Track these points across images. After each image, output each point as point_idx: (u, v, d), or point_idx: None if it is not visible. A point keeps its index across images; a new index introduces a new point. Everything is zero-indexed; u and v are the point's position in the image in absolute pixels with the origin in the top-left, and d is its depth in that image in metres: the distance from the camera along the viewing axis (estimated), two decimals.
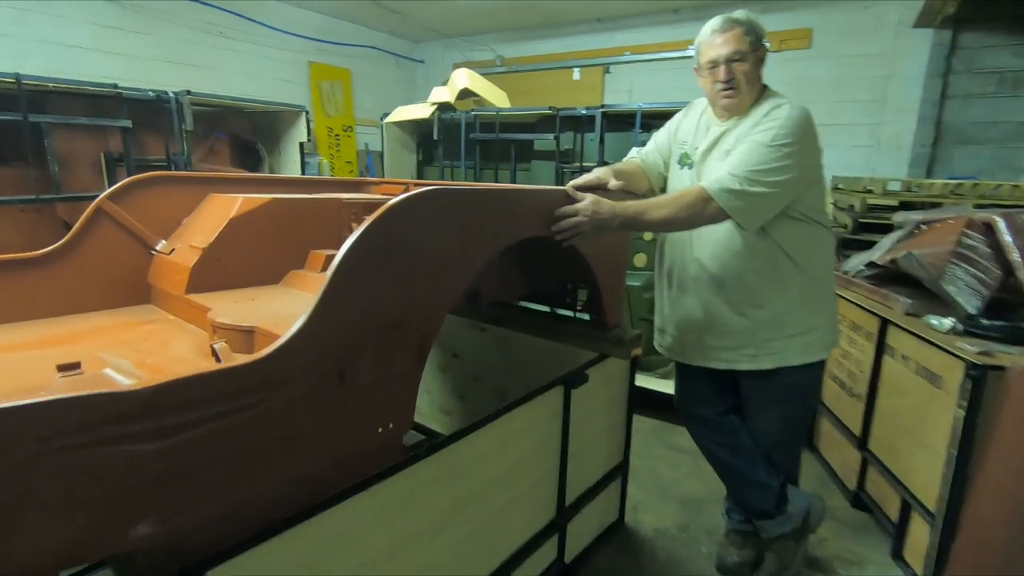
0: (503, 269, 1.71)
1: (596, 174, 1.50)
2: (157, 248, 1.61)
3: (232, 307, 1.28)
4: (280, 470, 0.92)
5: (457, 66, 6.70)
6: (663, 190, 1.80)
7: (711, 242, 1.59)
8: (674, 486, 2.39)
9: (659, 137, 1.80)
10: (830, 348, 1.67)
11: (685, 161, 1.68)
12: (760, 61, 1.53)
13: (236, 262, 1.48)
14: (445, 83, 3.55)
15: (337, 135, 6.13)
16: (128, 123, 2.49)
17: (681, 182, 1.67)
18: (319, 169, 5.12)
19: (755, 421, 1.74)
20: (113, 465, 0.73)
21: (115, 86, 2.46)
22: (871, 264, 2.35)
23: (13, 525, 0.67)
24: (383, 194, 2.14)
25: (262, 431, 0.87)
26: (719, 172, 1.45)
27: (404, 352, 1.06)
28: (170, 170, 2.71)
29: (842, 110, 4.60)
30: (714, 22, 1.53)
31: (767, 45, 1.55)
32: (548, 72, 6.19)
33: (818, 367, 1.68)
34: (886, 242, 2.37)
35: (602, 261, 1.64)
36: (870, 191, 2.90)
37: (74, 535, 0.72)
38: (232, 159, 3.24)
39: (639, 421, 2.90)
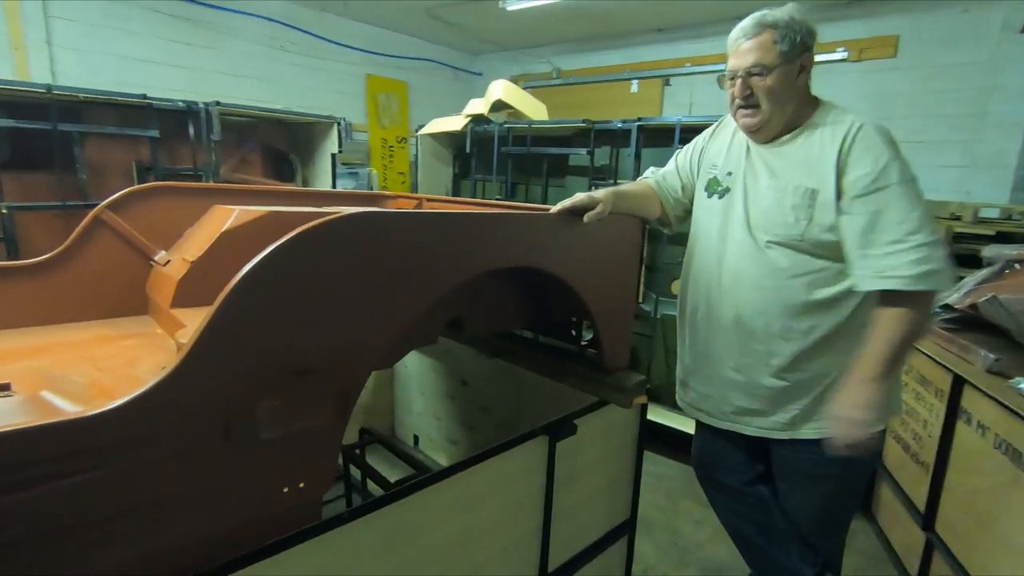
0: (493, 298, 1.53)
1: (592, 195, 1.30)
2: (155, 259, 1.58)
3: None
4: (150, 539, 0.78)
5: (514, 78, 6.64)
6: (680, 218, 1.58)
7: (748, 283, 1.33)
8: (696, 549, 2.10)
9: (680, 158, 1.57)
10: (890, 417, 1.37)
11: (714, 188, 1.43)
12: (800, 72, 1.27)
13: (227, 277, 1.39)
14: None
15: (391, 146, 6.20)
16: (156, 133, 2.54)
17: (711, 214, 1.43)
18: (368, 180, 5.15)
19: (791, 498, 1.46)
20: None
21: (144, 96, 2.52)
22: (947, 307, 1.98)
23: None
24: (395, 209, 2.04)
25: (118, 498, 0.74)
26: (875, 256, 1.18)
27: (316, 404, 0.91)
28: (198, 179, 2.74)
29: (931, 126, 4.08)
30: (746, 22, 1.28)
31: (812, 54, 1.28)
32: (606, 85, 5.98)
33: (875, 437, 1.38)
34: (969, 281, 1.99)
35: (600, 294, 1.43)
36: (958, 218, 2.50)
37: None
38: (264, 170, 3.27)
39: (667, 467, 2.63)
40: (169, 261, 1.53)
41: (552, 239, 1.27)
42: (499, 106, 3.28)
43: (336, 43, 5.49)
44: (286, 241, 0.84)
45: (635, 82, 5.76)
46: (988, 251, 2.09)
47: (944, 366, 1.80)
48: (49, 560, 0.71)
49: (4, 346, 1.28)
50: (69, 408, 0.93)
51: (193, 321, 1.24)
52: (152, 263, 1.58)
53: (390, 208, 2.17)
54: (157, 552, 0.80)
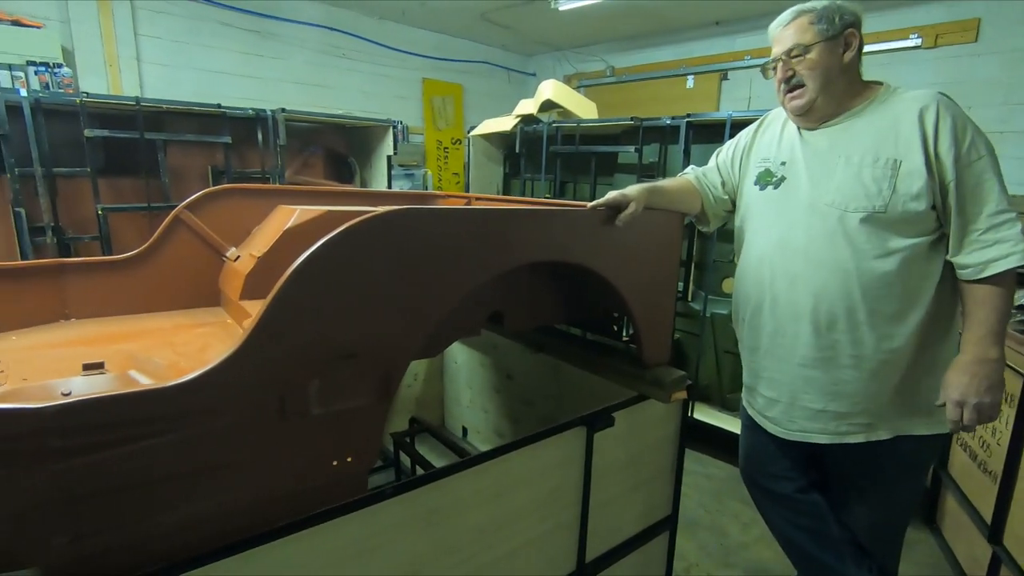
0: (533, 293, 1.58)
1: (624, 192, 1.32)
2: (227, 255, 1.73)
3: None
4: (206, 500, 0.88)
5: (567, 78, 6.64)
6: (719, 216, 1.56)
7: (828, 267, 1.28)
8: (740, 550, 2.07)
9: (722, 155, 1.56)
10: None
11: (767, 180, 1.41)
12: (845, 49, 1.25)
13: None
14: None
15: (446, 148, 6.35)
16: (228, 139, 2.75)
17: (767, 205, 1.40)
18: (423, 181, 5.32)
19: (850, 504, 1.42)
20: (19, 481, 0.74)
21: (219, 106, 2.73)
22: (1020, 307, 1.85)
23: None
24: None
25: (182, 460, 0.84)
26: (987, 248, 1.18)
27: (360, 386, 0.99)
28: (265, 182, 2.94)
29: (1014, 115, 3.79)
30: (782, 14, 1.29)
31: (857, 33, 1.26)
32: (660, 81, 5.90)
33: (943, 438, 1.33)
34: None
35: (638, 289, 1.45)
36: None
37: None
38: (326, 172, 3.46)
39: (716, 467, 2.59)
40: (239, 257, 1.67)
41: (587, 235, 1.31)
42: (548, 106, 3.31)
43: (394, 49, 5.70)
44: (331, 237, 0.92)
45: (691, 77, 5.65)
46: None
47: (1016, 370, 1.69)
48: (132, 509, 0.82)
49: (100, 331, 1.44)
50: (151, 385, 1.06)
51: (257, 311, 1.36)
52: (224, 259, 1.72)
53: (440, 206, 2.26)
54: (221, 509, 0.89)
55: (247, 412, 0.88)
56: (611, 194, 1.32)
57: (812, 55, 1.23)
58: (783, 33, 1.26)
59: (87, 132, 2.38)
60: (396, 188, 3.87)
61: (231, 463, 0.89)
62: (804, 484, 1.47)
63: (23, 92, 2.26)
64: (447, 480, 1.17)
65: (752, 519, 2.26)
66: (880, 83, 1.31)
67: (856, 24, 1.24)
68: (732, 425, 2.63)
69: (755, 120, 1.56)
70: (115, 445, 0.78)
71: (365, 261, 0.96)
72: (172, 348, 1.33)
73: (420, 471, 2.09)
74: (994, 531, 1.73)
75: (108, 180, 2.58)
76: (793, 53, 1.24)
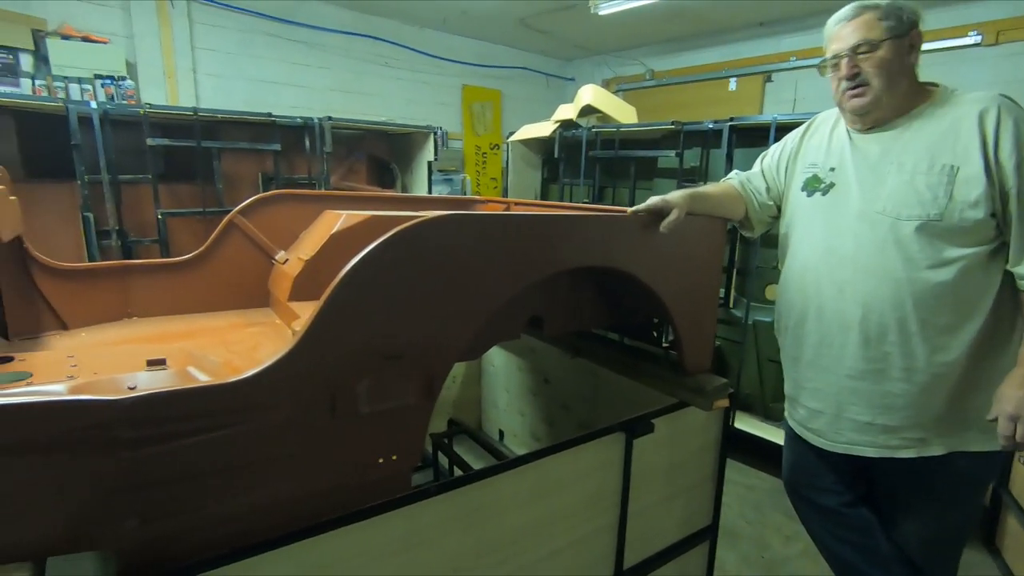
0: (572, 298, 1.59)
1: (666, 198, 1.31)
2: (276, 258, 1.81)
3: None
4: (260, 491, 0.92)
5: (606, 82, 6.62)
6: (764, 222, 1.53)
7: (878, 276, 1.24)
8: (782, 564, 2.02)
9: (767, 160, 1.53)
10: None
11: (814, 186, 1.37)
12: (909, 50, 1.21)
13: (334, 274, 1.59)
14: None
15: (484, 153, 6.42)
16: (278, 147, 2.87)
17: (815, 212, 1.36)
18: (462, 186, 5.39)
19: (901, 520, 1.37)
20: (97, 466, 0.79)
21: (269, 115, 2.84)
22: None
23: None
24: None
25: (242, 452, 0.89)
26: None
27: (405, 386, 1.02)
28: (312, 188, 3.04)
29: None
30: (843, 10, 1.25)
31: (920, 33, 1.22)
32: (701, 84, 5.81)
33: (1002, 455, 1.28)
34: None
35: (680, 296, 1.44)
36: None
37: (58, 526, 0.80)
38: (369, 177, 3.55)
39: (758, 478, 2.53)
40: (287, 260, 1.74)
41: (628, 240, 1.31)
42: (588, 111, 3.32)
43: (435, 56, 5.80)
44: (381, 242, 0.96)
45: (733, 80, 5.55)
46: None
47: None
48: (194, 497, 0.87)
49: (160, 330, 1.53)
50: (207, 381, 1.12)
51: (306, 312, 1.41)
52: (273, 261, 1.80)
53: (479, 211, 2.29)
54: (274, 501, 0.94)
55: (300, 408, 0.92)
56: (653, 200, 1.31)
57: (880, 52, 1.19)
58: (844, 29, 1.22)
59: (149, 141, 2.52)
60: (436, 193, 3.93)
61: (285, 456, 0.93)
62: (851, 498, 1.43)
63: (93, 104, 2.42)
64: (489, 481, 1.20)
65: (795, 532, 2.20)
66: (936, 85, 1.27)
67: (918, 23, 1.21)
68: (774, 435, 2.56)
69: (801, 123, 1.53)
70: (181, 436, 0.83)
71: (412, 265, 0.99)
72: (226, 347, 1.39)
73: (458, 472, 2.13)
74: None
75: (167, 186, 2.73)
76: (860, 49, 1.20)
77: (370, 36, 5.31)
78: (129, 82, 3.77)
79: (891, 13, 1.19)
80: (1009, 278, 1.18)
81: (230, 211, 1.74)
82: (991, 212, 1.15)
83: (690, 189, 1.40)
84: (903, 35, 1.19)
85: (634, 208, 1.30)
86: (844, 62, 1.22)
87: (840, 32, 1.24)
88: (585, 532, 1.45)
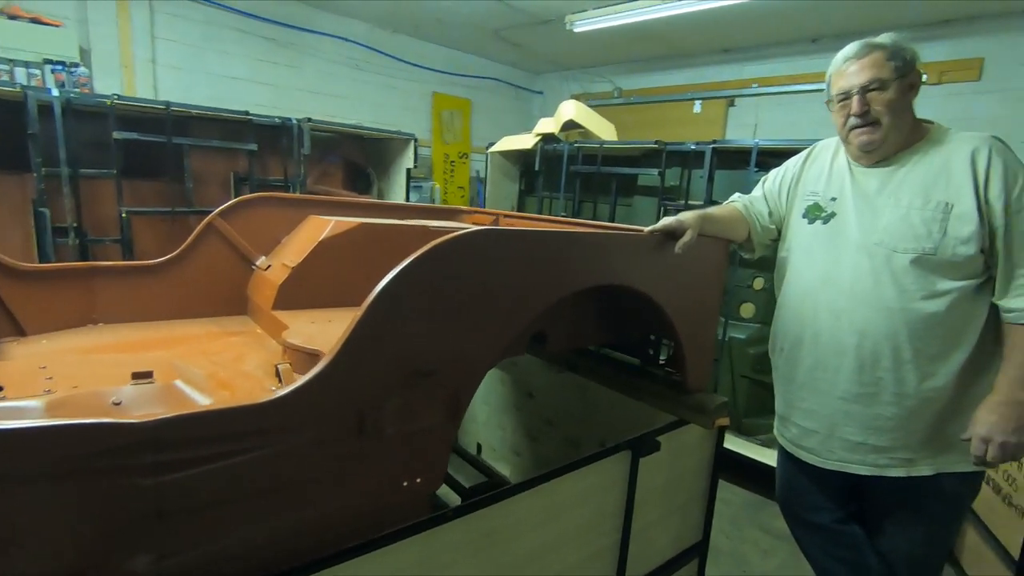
0: (575, 315, 1.58)
1: (680, 219, 1.33)
2: (257, 263, 1.71)
3: (307, 327, 1.30)
4: (286, 517, 0.86)
5: (575, 97, 6.72)
6: (764, 245, 1.57)
7: (873, 306, 1.29)
8: None
9: (769, 184, 1.57)
10: None
11: (815, 214, 1.42)
12: (910, 89, 1.28)
13: (322, 282, 1.52)
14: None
15: (452, 162, 6.38)
16: (254, 146, 2.74)
17: (815, 240, 1.41)
18: (431, 193, 5.33)
19: (889, 537, 1.42)
20: (109, 497, 0.72)
21: (247, 113, 2.72)
22: None
23: (5, 547, 0.67)
24: (472, 224, 2.12)
25: (267, 476, 0.82)
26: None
27: (435, 404, 0.98)
28: (287, 190, 2.93)
29: (1019, 153, 3.89)
30: (849, 48, 1.30)
31: (920, 72, 1.29)
32: (667, 105, 5.98)
33: (983, 474, 1.35)
34: None
35: (687, 316, 1.45)
36: None
37: (67, 563, 0.71)
38: (344, 182, 3.45)
39: (731, 493, 2.58)
40: (270, 266, 1.65)
41: (648, 260, 1.32)
42: (569, 126, 3.35)
43: (407, 62, 5.73)
44: (419, 256, 0.92)
45: (698, 102, 5.74)
46: None
47: None
48: (217, 526, 0.80)
49: (132, 337, 1.42)
50: (199, 398, 1.04)
51: (294, 323, 1.34)
52: (254, 267, 1.71)
53: (467, 222, 2.26)
54: (297, 528, 0.88)
55: (329, 430, 0.87)
56: (668, 220, 1.32)
57: (889, 93, 1.24)
58: (852, 67, 1.27)
59: (116, 134, 2.36)
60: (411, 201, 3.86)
61: (309, 480, 0.87)
62: (842, 515, 1.47)
63: (55, 92, 2.24)
64: (504, 503, 1.16)
65: (771, 546, 2.25)
66: (931, 123, 1.34)
67: (917, 63, 1.27)
68: (748, 450, 2.63)
69: (781, 150, 1.59)
70: (205, 461, 0.77)
71: (450, 279, 0.95)
72: (207, 357, 1.31)
73: (443, 488, 2.07)
74: (1021, 566, 1.74)
75: (130, 183, 2.55)
76: (871, 87, 1.25)
77: (341, 37, 5.19)
78: (83, 69, 3.54)
79: (897, 53, 1.25)
80: (994, 310, 1.26)
81: (200, 212, 1.64)
82: (981, 248, 1.22)
83: (700, 211, 1.43)
84: (906, 75, 1.26)
85: (651, 228, 1.31)
86: (856, 100, 1.27)
87: (848, 69, 1.29)
88: (591, 551, 1.43)
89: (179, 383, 1.09)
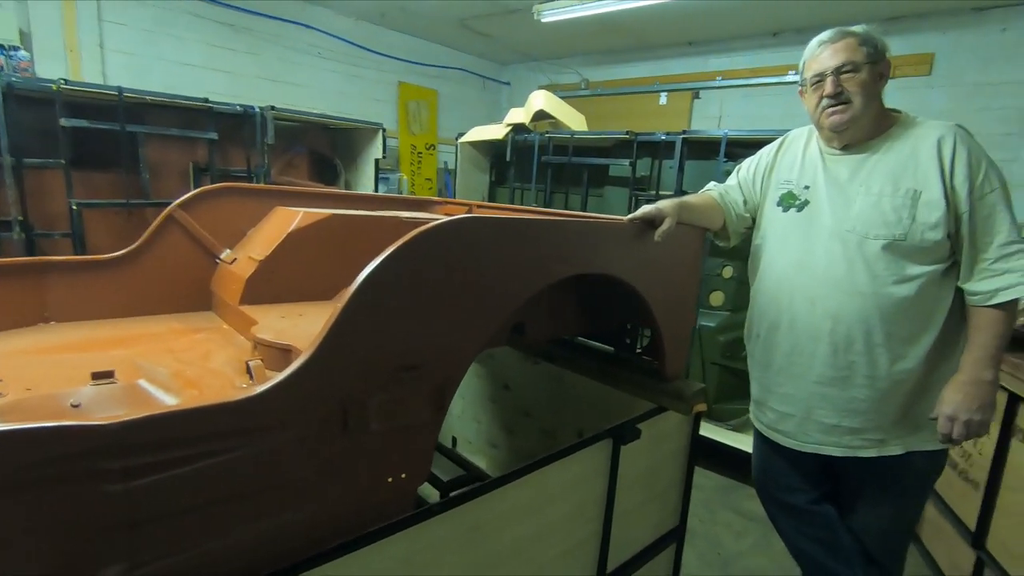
0: (554, 304, 1.57)
1: (659, 207, 1.33)
2: (221, 257, 1.65)
3: (278, 322, 1.26)
4: (267, 520, 0.82)
5: (542, 88, 6.71)
6: (739, 233, 1.59)
7: (846, 291, 1.33)
8: (737, 559, 2.11)
9: (743, 173, 1.59)
10: None
11: (789, 202, 1.45)
12: (880, 78, 1.31)
13: (292, 276, 1.47)
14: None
15: (419, 153, 6.28)
16: (214, 135, 2.63)
17: (789, 228, 1.43)
18: (399, 185, 5.24)
19: (860, 514, 1.47)
20: (77, 504, 0.67)
21: (206, 100, 2.60)
22: None
23: None
24: (445, 214, 2.08)
25: (248, 477, 0.78)
26: (997, 275, 1.24)
27: (419, 399, 0.95)
28: (250, 181, 2.82)
29: None
30: (824, 34, 1.33)
31: (890, 63, 1.33)
32: (633, 96, 6.03)
33: (948, 451, 1.41)
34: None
35: (665, 304, 1.46)
36: None
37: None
38: (310, 173, 3.35)
39: (704, 477, 2.63)
40: (236, 259, 1.59)
41: (628, 248, 1.31)
42: (540, 116, 3.33)
43: (371, 51, 5.60)
44: (401, 245, 0.89)
45: (664, 94, 5.80)
46: None
47: (1001, 387, 1.80)
48: (192, 533, 0.75)
49: (88, 336, 1.34)
50: (165, 397, 0.99)
51: (264, 318, 1.29)
52: (218, 260, 1.64)
53: (440, 213, 2.22)
54: (278, 530, 0.84)
55: (312, 427, 0.83)
56: (647, 208, 1.33)
57: (862, 75, 1.27)
58: (826, 51, 1.30)
59: (64, 121, 2.22)
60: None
61: (291, 480, 0.84)
62: (817, 496, 1.51)
63: None
64: (489, 495, 1.15)
65: (744, 528, 2.31)
66: (899, 112, 1.38)
67: (887, 54, 1.30)
68: (720, 435, 2.69)
69: (750, 140, 1.61)
70: (179, 464, 0.72)
71: (434, 269, 0.93)
72: (172, 355, 1.26)
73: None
74: (977, 537, 1.83)
75: (81, 174, 2.40)
76: (844, 69, 1.27)
77: (302, 24, 5.03)
78: (23, 53, 3.32)
79: (868, 41, 1.28)
80: (959, 293, 1.31)
81: (158, 204, 1.57)
82: (947, 233, 1.26)
83: (678, 199, 1.43)
84: (879, 62, 1.29)
85: (631, 216, 1.30)
86: (829, 80, 1.30)
87: (822, 53, 1.32)
88: (575, 541, 1.43)
89: (143, 382, 1.04)
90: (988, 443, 1.82)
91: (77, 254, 2.37)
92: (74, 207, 2.27)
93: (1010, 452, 1.74)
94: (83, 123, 2.27)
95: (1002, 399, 1.77)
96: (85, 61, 3.87)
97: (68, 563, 0.68)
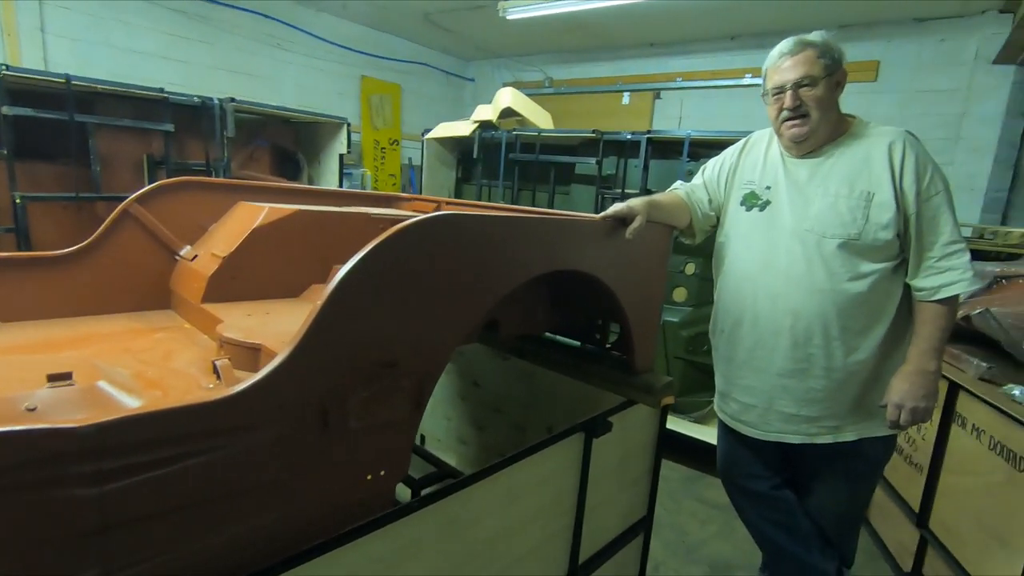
0: (526, 301, 1.59)
1: (630, 205, 1.37)
2: (181, 254, 1.59)
3: (244, 321, 1.23)
4: (246, 521, 0.81)
5: (506, 85, 6.71)
6: (704, 231, 1.65)
7: (805, 288, 1.40)
8: (701, 546, 2.18)
9: (708, 173, 1.64)
10: None
11: (752, 202, 1.51)
12: (837, 86, 1.38)
13: (257, 273, 1.44)
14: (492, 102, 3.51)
15: (383, 148, 6.20)
16: (171, 127, 2.53)
17: (752, 227, 1.49)
18: (362, 181, 5.15)
19: (817, 497, 1.55)
20: (47, 511, 0.64)
21: (161, 90, 2.50)
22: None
23: None
24: (413, 211, 2.07)
25: (225, 479, 0.77)
26: (939, 269, 1.33)
27: (399, 395, 0.95)
28: (209, 175, 2.73)
29: None
30: (784, 44, 1.38)
31: (846, 71, 1.40)
32: (596, 95, 6.11)
33: (896, 437, 1.51)
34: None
35: (634, 299, 1.50)
36: None
37: None
38: (272, 167, 3.26)
39: (668, 468, 2.71)
40: (196, 256, 1.54)
41: (602, 245, 1.34)
42: (507, 113, 3.34)
43: (333, 43, 5.49)
44: (381, 241, 0.88)
45: (626, 94, 5.90)
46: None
47: (942, 376, 1.92)
48: (168, 537, 0.74)
49: (39, 337, 1.28)
50: (126, 400, 0.95)
51: (229, 316, 1.26)
52: (178, 257, 1.58)
53: (408, 209, 2.21)
54: (257, 532, 0.83)
55: (291, 425, 0.82)
56: (618, 206, 1.36)
57: (819, 89, 1.33)
58: (788, 62, 1.35)
59: (6, 109, 2.09)
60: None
61: (270, 481, 0.82)
62: (778, 482, 1.59)
63: None
64: (466, 491, 1.15)
65: (708, 516, 2.39)
66: (853, 117, 1.45)
67: (844, 61, 1.37)
68: (684, 427, 2.76)
69: (713, 141, 1.67)
70: (154, 467, 0.70)
71: (412, 266, 0.93)
72: (132, 355, 1.21)
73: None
74: (921, 517, 1.95)
75: (24, 165, 2.27)
76: (803, 83, 1.33)
77: (260, 13, 4.88)
78: None
79: (826, 52, 1.34)
80: (907, 288, 1.39)
81: (110, 198, 1.50)
82: (897, 233, 1.35)
83: (648, 197, 1.47)
84: (834, 73, 1.35)
85: (603, 213, 1.33)
86: (788, 95, 1.35)
87: (783, 65, 1.37)
88: (547, 534, 1.45)
89: (103, 384, 0.99)
90: (931, 429, 1.94)
91: (22, 250, 2.24)
92: (18, 200, 2.14)
93: (950, 437, 1.86)
94: (28, 111, 2.15)
95: (943, 387, 1.89)
96: (24, 46, 3.66)
97: (38, 573, 0.65)
